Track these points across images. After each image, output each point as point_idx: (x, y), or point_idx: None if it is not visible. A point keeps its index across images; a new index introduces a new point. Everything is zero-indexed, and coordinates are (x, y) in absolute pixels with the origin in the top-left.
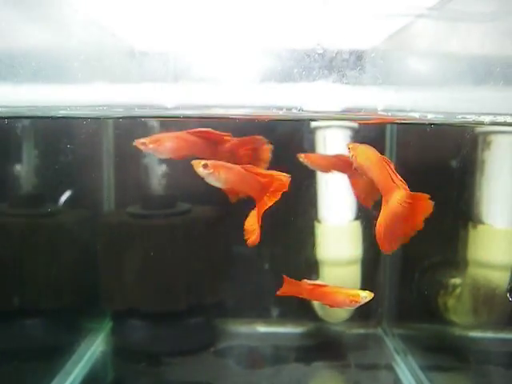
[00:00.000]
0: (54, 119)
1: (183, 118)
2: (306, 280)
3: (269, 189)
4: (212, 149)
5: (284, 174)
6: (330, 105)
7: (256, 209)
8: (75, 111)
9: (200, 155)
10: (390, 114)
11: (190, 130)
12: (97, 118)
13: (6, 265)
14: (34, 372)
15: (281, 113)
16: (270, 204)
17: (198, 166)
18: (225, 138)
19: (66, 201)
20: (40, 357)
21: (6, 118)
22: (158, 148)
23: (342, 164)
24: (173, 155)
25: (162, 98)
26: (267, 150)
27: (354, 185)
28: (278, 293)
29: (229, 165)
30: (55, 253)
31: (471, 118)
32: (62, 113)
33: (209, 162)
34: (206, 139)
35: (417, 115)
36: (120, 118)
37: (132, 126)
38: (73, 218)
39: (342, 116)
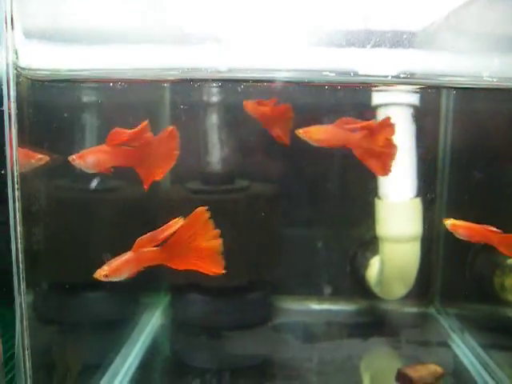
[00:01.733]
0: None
1: (235, 80)
2: None
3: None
4: (133, 154)
5: None
6: (385, 69)
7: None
8: (133, 74)
9: (126, 164)
10: (447, 79)
11: (109, 142)
12: (153, 81)
13: (71, 240)
14: (104, 342)
15: (335, 76)
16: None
17: (100, 277)
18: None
19: (96, 186)
20: (106, 329)
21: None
22: (83, 163)
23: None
24: (99, 169)
25: (216, 61)
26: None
27: None
28: None
29: (123, 258)
30: (117, 228)
31: None
32: (125, 76)
33: (106, 269)
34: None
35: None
36: (175, 80)
37: (188, 99)
38: (133, 193)
39: (399, 81)
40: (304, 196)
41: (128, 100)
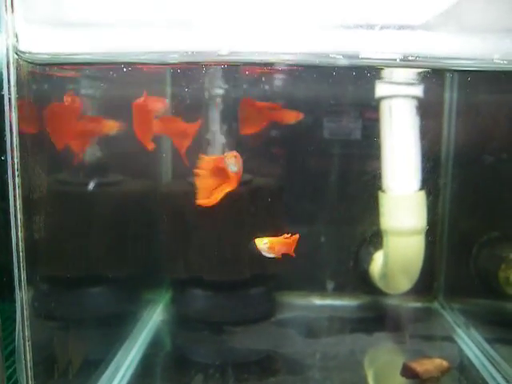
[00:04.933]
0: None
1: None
2: None
3: None
4: None
5: None
6: (388, 52)
7: None
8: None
9: None
10: (454, 61)
11: None
12: (153, 64)
13: (71, 234)
14: (106, 337)
15: (338, 59)
16: None
17: None
18: None
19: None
20: (108, 324)
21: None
22: None
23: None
24: None
25: (217, 44)
26: None
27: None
28: None
29: None
30: (118, 223)
31: None
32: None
33: None
34: None
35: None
36: (175, 63)
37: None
38: (135, 187)
39: (406, 64)
40: (307, 190)
41: (128, 85)
